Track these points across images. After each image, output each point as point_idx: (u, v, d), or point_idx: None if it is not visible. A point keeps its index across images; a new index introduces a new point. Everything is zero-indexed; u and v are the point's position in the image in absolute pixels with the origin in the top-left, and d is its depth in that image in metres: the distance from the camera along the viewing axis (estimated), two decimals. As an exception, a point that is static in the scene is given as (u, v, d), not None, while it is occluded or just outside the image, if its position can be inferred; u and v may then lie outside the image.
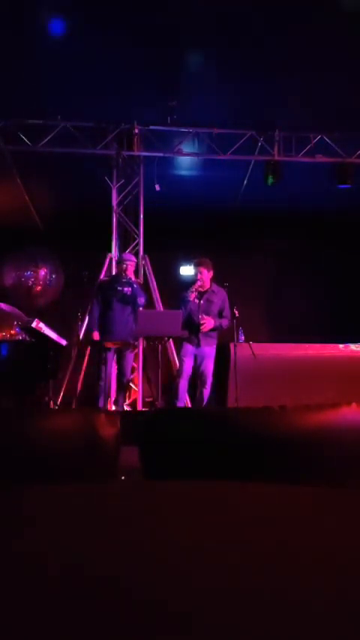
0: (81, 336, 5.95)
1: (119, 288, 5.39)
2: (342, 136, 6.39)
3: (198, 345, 5.35)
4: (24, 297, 7.75)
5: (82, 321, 6.01)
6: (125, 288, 5.39)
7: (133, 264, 5.56)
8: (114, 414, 1.36)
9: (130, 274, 5.44)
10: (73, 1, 4.34)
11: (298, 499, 0.92)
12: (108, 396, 5.64)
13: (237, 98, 5.69)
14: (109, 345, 5.33)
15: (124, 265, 5.43)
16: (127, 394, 6.20)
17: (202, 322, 5.28)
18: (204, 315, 5.32)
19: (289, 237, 8.10)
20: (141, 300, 5.45)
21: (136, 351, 6.42)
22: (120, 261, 5.56)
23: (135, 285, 5.45)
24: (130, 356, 5.61)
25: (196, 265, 5.47)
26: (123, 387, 5.67)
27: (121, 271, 5.46)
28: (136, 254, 6.62)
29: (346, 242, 8.20)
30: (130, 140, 6.29)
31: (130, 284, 5.39)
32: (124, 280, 5.39)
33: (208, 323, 5.30)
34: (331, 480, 1.21)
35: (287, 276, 8.40)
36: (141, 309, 5.55)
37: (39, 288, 8.06)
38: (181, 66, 5.10)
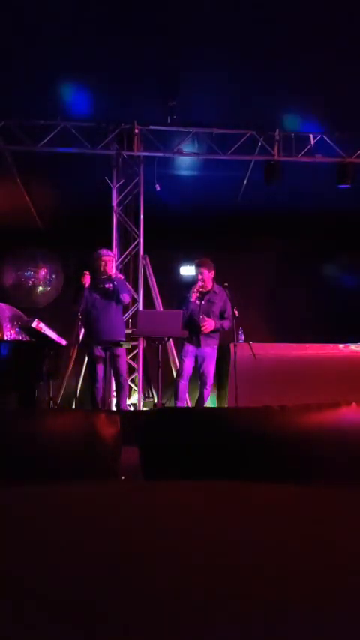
0: (81, 337, 5.93)
1: (99, 285, 5.30)
2: (342, 136, 6.39)
3: (199, 346, 5.33)
4: (24, 297, 7.75)
5: (82, 321, 5.99)
6: (106, 285, 5.27)
7: (112, 259, 5.46)
8: (114, 414, 1.36)
9: (110, 270, 5.34)
10: (73, 2, 4.33)
11: (298, 499, 0.92)
12: (107, 396, 5.61)
13: (237, 98, 5.68)
14: (95, 345, 5.26)
15: (102, 262, 5.33)
16: (127, 394, 6.18)
17: (202, 324, 5.25)
18: (205, 317, 5.30)
19: (289, 237, 8.09)
20: (124, 296, 5.33)
21: (136, 351, 6.42)
22: (97, 258, 5.37)
23: (116, 281, 5.31)
24: (122, 354, 5.47)
25: (198, 266, 5.45)
26: (121, 387, 5.59)
27: (99, 268, 5.33)
28: (136, 254, 6.62)
29: (346, 242, 8.19)
30: (130, 140, 6.29)
31: (110, 280, 5.28)
32: (103, 277, 5.29)
33: (208, 325, 5.27)
34: (331, 480, 1.22)
35: (287, 276, 8.39)
36: (127, 301, 5.50)
37: (39, 288, 8.07)
38: (181, 66, 5.10)
